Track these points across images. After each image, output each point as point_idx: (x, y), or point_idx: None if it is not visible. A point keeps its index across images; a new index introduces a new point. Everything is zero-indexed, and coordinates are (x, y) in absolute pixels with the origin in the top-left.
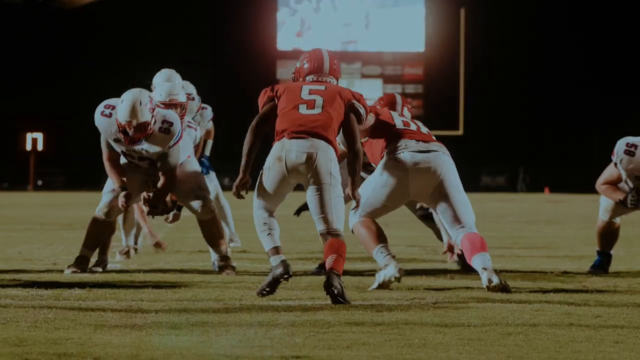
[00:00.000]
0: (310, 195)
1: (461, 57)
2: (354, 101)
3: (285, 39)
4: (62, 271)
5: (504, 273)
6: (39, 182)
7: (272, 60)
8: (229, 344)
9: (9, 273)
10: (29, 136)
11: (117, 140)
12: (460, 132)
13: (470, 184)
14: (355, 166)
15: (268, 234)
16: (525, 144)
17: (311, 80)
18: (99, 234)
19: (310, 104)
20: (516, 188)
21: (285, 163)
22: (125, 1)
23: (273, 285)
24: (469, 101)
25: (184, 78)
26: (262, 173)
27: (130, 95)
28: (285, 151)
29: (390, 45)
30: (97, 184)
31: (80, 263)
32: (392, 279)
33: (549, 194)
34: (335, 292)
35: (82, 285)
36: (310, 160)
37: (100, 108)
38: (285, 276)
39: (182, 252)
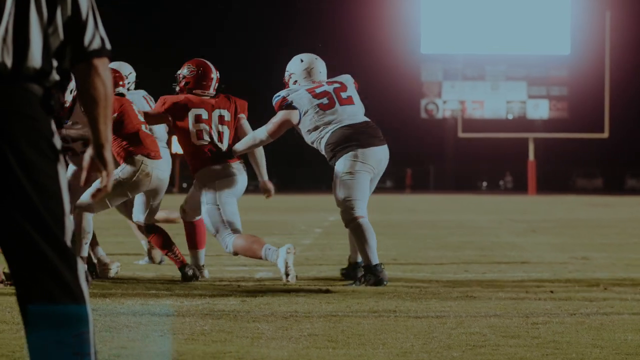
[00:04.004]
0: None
1: (607, 59)
2: None
3: (429, 43)
4: (212, 279)
5: None
6: (184, 185)
7: (416, 64)
8: (386, 358)
9: (162, 282)
10: (174, 139)
11: None
12: (605, 135)
13: (615, 187)
14: None
15: (86, 243)
16: None
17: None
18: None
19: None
20: None
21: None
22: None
23: None
24: (615, 103)
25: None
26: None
27: None
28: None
29: (536, 48)
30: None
31: None
32: (290, 255)
33: None
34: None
35: (235, 294)
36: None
37: None
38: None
39: (330, 259)
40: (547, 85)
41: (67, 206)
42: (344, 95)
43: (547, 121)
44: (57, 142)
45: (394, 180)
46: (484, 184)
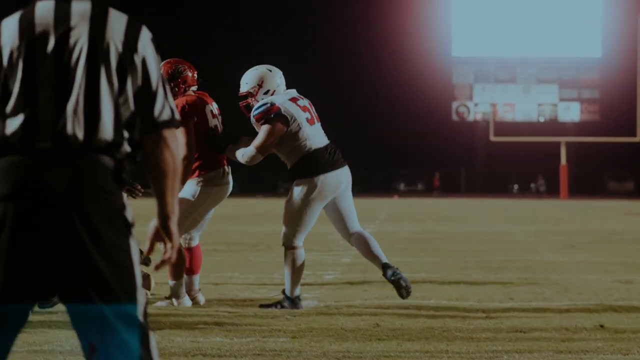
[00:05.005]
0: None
1: (638, 62)
2: None
3: (460, 45)
4: (263, 309)
5: None
6: None
7: (447, 66)
8: None
9: (209, 314)
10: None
11: None
12: (637, 138)
13: None
14: None
15: None
16: None
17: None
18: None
19: None
20: None
21: None
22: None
23: None
24: None
25: (356, 84)
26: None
27: None
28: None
29: (567, 51)
30: (272, 189)
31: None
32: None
33: None
34: None
35: (285, 330)
36: None
37: None
38: None
39: (373, 282)
40: (579, 88)
41: (138, 280)
42: (314, 112)
43: (579, 124)
44: (129, 215)
45: (424, 183)
46: (515, 187)
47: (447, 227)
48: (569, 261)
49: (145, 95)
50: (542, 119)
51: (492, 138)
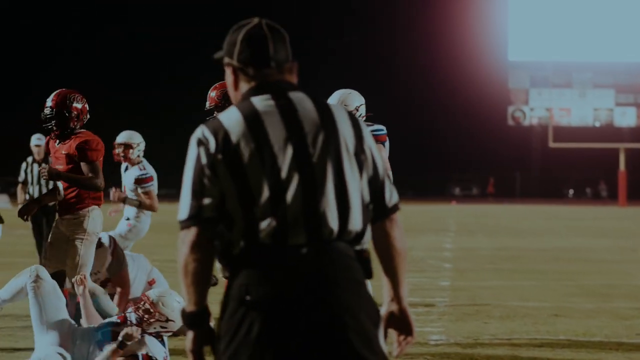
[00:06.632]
0: None
1: None
2: None
3: (516, 50)
4: None
5: None
6: None
7: (503, 71)
8: None
9: None
10: None
11: None
12: None
13: None
14: None
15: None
16: None
17: None
18: None
19: None
20: None
21: None
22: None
23: None
24: None
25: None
26: None
27: None
28: None
29: (623, 55)
30: None
31: None
32: None
33: None
34: None
35: None
36: None
37: None
38: None
39: (490, 309)
40: (635, 93)
41: None
42: None
43: (635, 129)
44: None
45: (479, 187)
46: (571, 191)
47: (524, 241)
48: None
49: (377, 182)
50: (597, 124)
51: (551, 144)
